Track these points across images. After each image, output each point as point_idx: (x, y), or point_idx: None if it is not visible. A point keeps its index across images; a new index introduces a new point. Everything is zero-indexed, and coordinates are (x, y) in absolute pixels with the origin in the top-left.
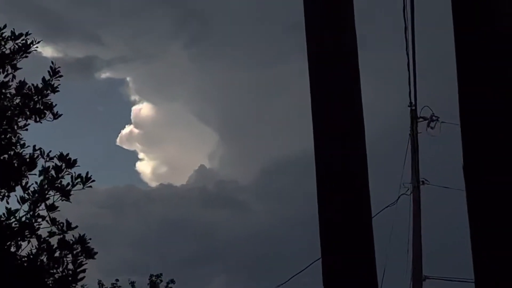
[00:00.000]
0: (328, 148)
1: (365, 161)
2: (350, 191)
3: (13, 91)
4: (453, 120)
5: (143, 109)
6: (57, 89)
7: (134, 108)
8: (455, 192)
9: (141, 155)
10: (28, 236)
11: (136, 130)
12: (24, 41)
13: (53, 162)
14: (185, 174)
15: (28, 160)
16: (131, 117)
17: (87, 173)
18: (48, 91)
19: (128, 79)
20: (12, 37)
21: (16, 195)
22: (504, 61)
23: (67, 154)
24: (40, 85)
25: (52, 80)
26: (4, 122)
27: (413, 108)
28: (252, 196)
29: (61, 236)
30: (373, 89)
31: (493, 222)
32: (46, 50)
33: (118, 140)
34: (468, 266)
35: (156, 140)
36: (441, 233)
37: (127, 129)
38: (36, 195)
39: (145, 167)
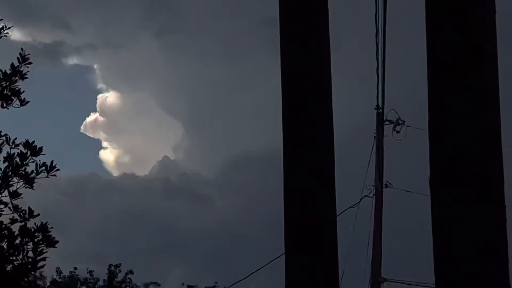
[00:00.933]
0: (295, 151)
1: (333, 162)
2: (315, 190)
3: None
4: (419, 124)
5: (109, 97)
6: (26, 76)
7: (100, 96)
8: (417, 196)
9: (105, 144)
10: None
11: (101, 118)
12: None
13: (18, 149)
14: (148, 165)
15: None
16: (97, 105)
17: (52, 161)
18: (17, 78)
19: (95, 66)
20: None
21: None
22: (475, 68)
23: (33, 142)
24: (8, 71)
25: (21, 67)
26: None
27: (380, 111)
28: (215, 190)
29: (23, 223)
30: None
31: (456, 231)
32: (14, 34)
33: (82, 127)
34: (427, 270)
35: (120, 129)
36: (401, 236)
37: (92, 116)
38: (0, 181)
39: (108, 155)
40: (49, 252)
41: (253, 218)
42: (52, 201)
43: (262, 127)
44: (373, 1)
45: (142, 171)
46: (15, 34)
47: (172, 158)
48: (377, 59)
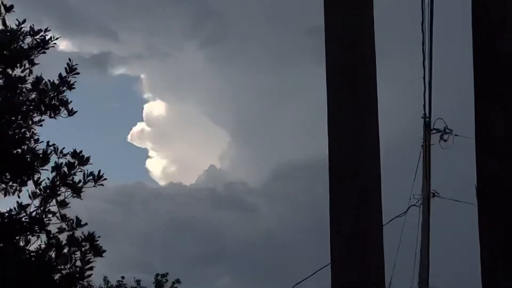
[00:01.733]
0: (341, 159)
1: (379, 172)
2: (362, 200)
3: (29, 86)
4: (467, 133)
5: (155, 107)
6: (73, 86)
7: (147, 106)
8: (465, 206)
9: (151, 153)
10: (38, 231)
11: (147, 128)
12: (42, 37)
13: (66, 158)
14: (194, 174)
15: (41, 155)
16: (143, 114)
17: (99, 171)
18: (64, 88)
19: (142, 76)
20: (31, 32)
21: (27, 190)
22: None
23: (80, 151)
24: (56, 81)
25: (68, 77)
26: (19, 117)
27: (427, 119)
28: (261, 199)
29: (71, 232)
30: (387, 97)
31: (502, 241)
32: (62, 44)
33: (129, 137)
34: (474, 279)
35: (167, 139)
36: (449, 245)
37: (139, 126)
38: (48, 191)
39: (155, 165)
40: (97, 261)
41: (299, 227)
42: (99, 210)
43: (308, 135)
44: (420, 9)
45: (189, 180)
46: (63, 45)
47: (218, 167)
48: (424, 68)
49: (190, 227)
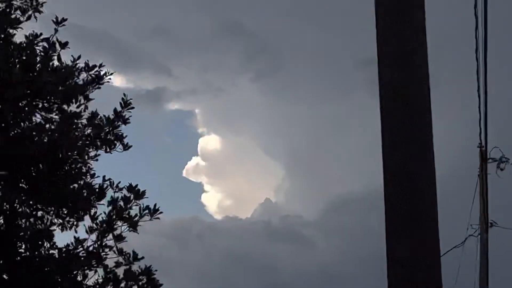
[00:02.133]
0: (397, 188)
1: (435, 201)
2: (419, 229)
3: (84, 121)
4: None
5: (210, 141)
6: (128, 120)
7: (201, 140)
8: None
9: (207, 187)
10: (95, 265)
11: (202, 162)
12: (97, 73)
13: (122, 192)
14: (250, 207)
15: (97, 190)
16: (198, 149)
17: (155, 205)
18: (119, 123)
19: (196, 111)
20: (86, 68)
21: (84, 225)
22: None
23: (136, 185)
24: (111, 116)
25: (123, 112)
26: (75, 152)
27: (483, 148)
28: (316, 232)
29: (128, 266)
30: (442, 126)
31: None
32: (117, 80)
33: (184, 171)
34: None
35: (222, 173)
36: (508, 275)
37: (194, 160)
38: (104, 225)
39: (210, 199)
40: None
41: (356, 259)
42: (156, 244)
43: (362, 168)
44: (474, 37)
45: (244, 214)
46: (119, 81)
47: (273, 201)
48: (479, 96)
49: (247, 260)
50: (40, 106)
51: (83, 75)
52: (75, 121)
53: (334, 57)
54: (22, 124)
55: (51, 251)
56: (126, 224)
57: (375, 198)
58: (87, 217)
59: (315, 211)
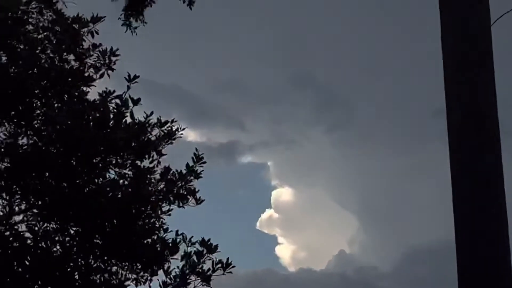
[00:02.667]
0: (471, 244)
1: (508, 251)
2: (494, 281)
3: (157, 176)
4: None
5: (283, 193)
6: (200, 175)
7: (274, 193)
8: None
9: (280, 240)
10: None
11: (276, 215)
12: (169, 128)
13: (195, 247)
14: (324, 259)
15: (170, 244)
16: (271, 201)
17: (228, 259)
18: (192, 177)
19: (269, 163)
20: (158, 124)
21: (158, 279)
22: None
23: (209, 240)
24: (183, 171)
25: (195, 166)
26: (149, 207)
27: None
28: (392, 283)
29: None
30: None
31: None
32: (190, 135)
33: (258, 224)
34: None
35: (295, 225)
36: None
37: (267, 213)
38: (178, 279)
39: (284, 251)
40: None
41: None
42: None
43: (437, 218)
44: None
45: (319, 266)
46: (192, 135)
47: (348, 252)
48: None
49: None
50: (113, 162)
51: (156, 130)
52: (148, 176)
53: (406, 108)
54: (96, 180)
55: None
56: (199, 278)
57: (451, 249)
58: (160, 272)
59: (390, 262)
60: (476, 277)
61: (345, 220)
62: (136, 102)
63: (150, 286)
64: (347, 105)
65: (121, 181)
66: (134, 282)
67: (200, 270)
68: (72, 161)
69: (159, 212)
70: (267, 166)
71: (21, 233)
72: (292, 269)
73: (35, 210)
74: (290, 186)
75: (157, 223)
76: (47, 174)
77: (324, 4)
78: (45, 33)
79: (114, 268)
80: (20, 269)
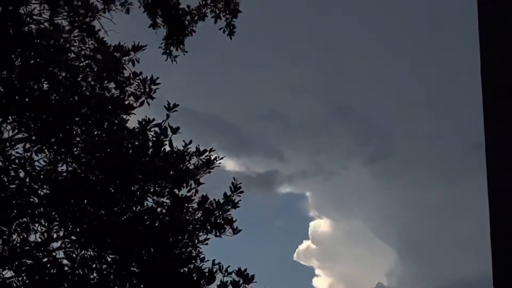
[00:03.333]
0: (506, 277)
1: None
2: None
3: (195, 205)
4: None
5: (321, 224)
6: (238, 204)
7: (312, 224)
8: None
9: (317, 271)
10: None
11: (313, 246)
12: (207, 157)
13: (231, 277)
14: None
15: (207, 274)
16: (309, 232)
17: None
18: (229, 206)
19: (307, 194)
20: (197, 153)
21: None
22: None
23: (245, 270)
24: (221, 200)
25: (233, 196)
26: (186, 236)
27: None
28: None
29: None
30: None
31: None
32: (229, 164)
33: (295, 255)
34: None
35: (333, 256)
36: None
37: (305, 244)
38: None
39: (322, 283)
40: None
41: None
42: None
43: (476, 252)
44: None
45: None
46: (231, 165)
47: (386, 285)
48: None
49: None
50: (151, 190)
51: (194, 159)
52: (186, 205)
53: (446, 141)
54: (134, 208)
55: None
56: None
57: (489, 282)
58: None
59: None
60: None
61: (384, 253)
62: (175, 130)
63: None
64: (387, 138)
65: (158, 209)
66: None
67: None
68: (111, 188)
69: (196, 241)
70: (305, 197)
71: (59, 260)
72: None
73: (73, 237)
74: (328, 217)
75: (193, 252)
76: (85, 201)
77: (365, 36)
78: (86, 61)
79: None
80: None
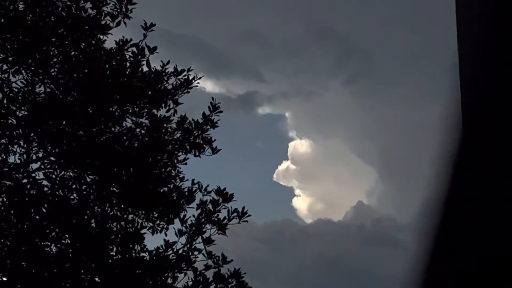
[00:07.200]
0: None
1: None
2: None
3: (174, 125)
4: None
5: (300, 145)
6: (217, 124)
7: (292, 144)
8: None
9: (297, 191)
10: (185, 268)
11: (293, 166)
12: (186, 77)
13: (210, 196)
14: (342, 211)
15: (186, 193)
16: (288, 153)
17: (243, 208)
18: (208, 126)
19: (287, 114)
20: (175, 73)
21: (174, 228)
22: None
23: (224, 189)
24: (200, 120)
25: (212, 116)
26: (165, 156)
27: None
28: (411, 235)
29: (217, 269)
30: None
31: None
32: (208, 85)
33: (275, 175)
34: None
35: (313, 177)
36: None
37: (284, 165)
38: (194, 228)
39: (301, 203)
40: None
41: None
42: (249, 248)
43: None
44: None
45: (336, 217)
46: (210, 86)
47: (366, 203)
48: None
49: (339, 264)
50: (130, 111)
51: (172, 79)
52: (165, 125)
53: (427, 60)
54: (113, 128)
55: (141, 254)
56: (215, 227)
57: None
58: (177, 221)
59: (408, 215)
60: None
61: (364, 172)
62: (152, 50)
63: (166, 235)
64: (367, 57)
65: (137, 130)
66: (150, 230)
67: (216, 219)
68: (89, 109)
69: (175, 161)
70: (285, 118)
71: (38, 181)
72: (309, 220)
73: (52, 158)
74: (308, 138)
75: (173, 172)
76: (64, 122)
77: None
78: None
79: (131, 217)
80: (37, 217)
